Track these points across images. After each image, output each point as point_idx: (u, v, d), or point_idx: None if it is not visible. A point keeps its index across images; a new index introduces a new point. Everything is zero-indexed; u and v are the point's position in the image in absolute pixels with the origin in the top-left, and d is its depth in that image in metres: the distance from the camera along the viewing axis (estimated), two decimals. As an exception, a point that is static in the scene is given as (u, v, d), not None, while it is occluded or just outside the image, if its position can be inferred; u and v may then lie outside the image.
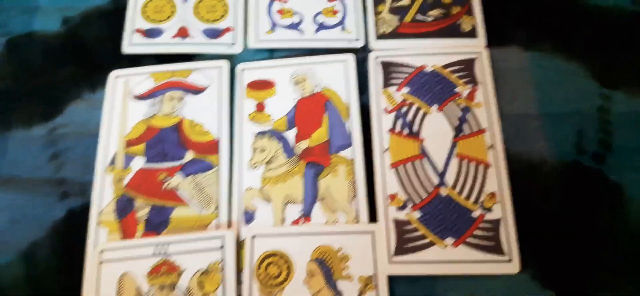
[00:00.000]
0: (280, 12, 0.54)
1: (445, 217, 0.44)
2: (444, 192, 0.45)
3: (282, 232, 0.44)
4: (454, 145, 0.47)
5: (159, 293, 0.41)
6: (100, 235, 0.44)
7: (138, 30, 0.53)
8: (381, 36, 0.52)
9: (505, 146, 0.47)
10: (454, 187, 0.45)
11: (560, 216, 0.45)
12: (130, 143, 0.48)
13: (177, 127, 0.49)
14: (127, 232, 0.45)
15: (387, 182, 0.46)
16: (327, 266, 0.42)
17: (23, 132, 0.49)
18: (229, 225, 0.45)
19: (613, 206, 0.45)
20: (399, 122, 0.48)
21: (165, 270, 0.42)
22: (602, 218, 0.44)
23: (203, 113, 0.49)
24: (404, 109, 0.48)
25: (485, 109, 0.48)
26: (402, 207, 0.45)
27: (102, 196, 0.46)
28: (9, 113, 0.50)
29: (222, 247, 0.43)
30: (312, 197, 0.46)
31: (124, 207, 0.45)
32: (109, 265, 0.43)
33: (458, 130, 0.47)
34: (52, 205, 0.46)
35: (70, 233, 0.45)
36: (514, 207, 0.44)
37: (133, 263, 0.43)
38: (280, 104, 0.49)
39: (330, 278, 0.41)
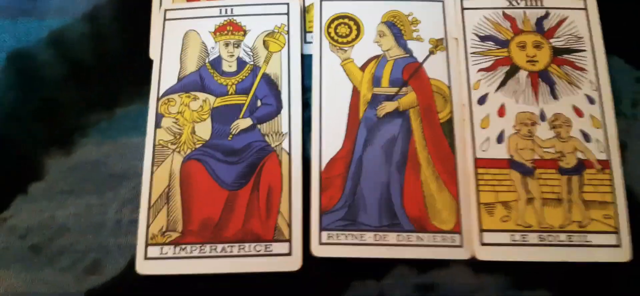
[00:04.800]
0: None
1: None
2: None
3: (351, -3, 0.42)
4: None
5: (224, 49, 0.41)
6: (165, -2, 0.44)
7: None
8: None
9: None
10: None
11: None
12: None
13: None
14: (191, -4, 0.44)
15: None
16: (397, 27, 0.41)
17: None
18: (294, -7, 0.44)
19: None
20: None
21: (230, 29, 0.42)
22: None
23: None
24: None
25: None
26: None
27: (165, -36, 0.45)
28: None
29: (287, 13, 0.42)
30: (380, -28, 0.44)
31: (187, -25, 0.44)
32: (174, 22, 0.42)
33: None
34: (114, -27, 0.46)
35: (134, -2, 0.45)
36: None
37: (198, 21, 0.42)
38: None
39: (400, 38, 0.40)
